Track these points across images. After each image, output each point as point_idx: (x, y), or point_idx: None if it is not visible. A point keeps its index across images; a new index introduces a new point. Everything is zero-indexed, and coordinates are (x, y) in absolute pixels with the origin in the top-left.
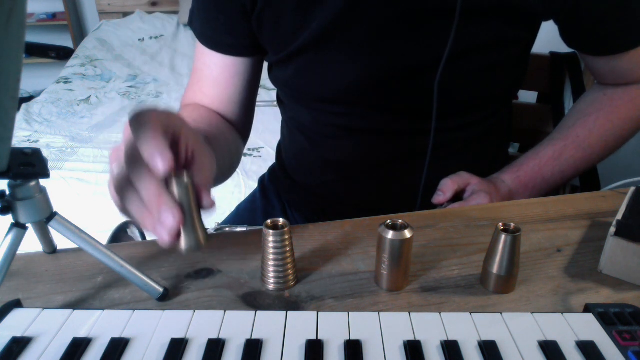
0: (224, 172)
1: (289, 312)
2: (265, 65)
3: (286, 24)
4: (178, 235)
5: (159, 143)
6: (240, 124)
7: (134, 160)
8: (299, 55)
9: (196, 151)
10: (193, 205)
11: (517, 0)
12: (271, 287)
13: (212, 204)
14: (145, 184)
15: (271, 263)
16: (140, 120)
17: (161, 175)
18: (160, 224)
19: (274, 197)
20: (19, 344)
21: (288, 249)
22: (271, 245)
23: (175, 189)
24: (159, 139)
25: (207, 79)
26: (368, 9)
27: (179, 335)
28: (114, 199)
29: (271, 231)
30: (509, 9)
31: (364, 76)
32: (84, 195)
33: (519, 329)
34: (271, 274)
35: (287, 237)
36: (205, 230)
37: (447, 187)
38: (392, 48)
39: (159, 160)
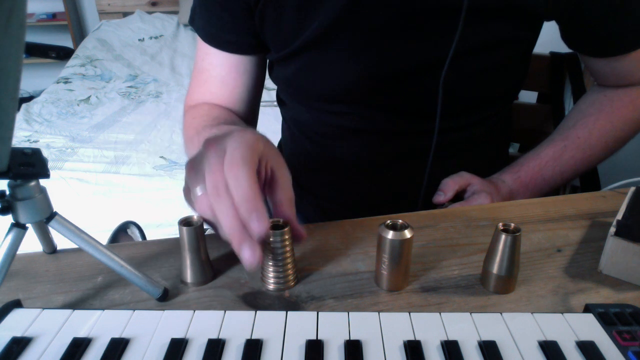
0: None
1: (289, 312)
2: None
3: (288, 22)
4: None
5: (257, 199)
6: (247, 122)
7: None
8: (301, 54)
9: (274, 167)
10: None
11: (521, 1)
12: (271, 287)
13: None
14: (223, 216)
15: (271, 263)
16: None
17: (256, 237)
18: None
19: None
20: (19, 344)
21: (288, 249)
22: (271, 245)
23: (271, 237)
24: (256, 193)
25: (214, 79)
26: (371, 8)
27: (179, 335)
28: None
29: (271, 231)
30: (512, 9)
31: (366, 76)
32: (84, 195)
33: (519, 329)
34: (271, 274)
35: (287, 237)
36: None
37: (448, 187)
38: (394, 48)
39: (257, 224)
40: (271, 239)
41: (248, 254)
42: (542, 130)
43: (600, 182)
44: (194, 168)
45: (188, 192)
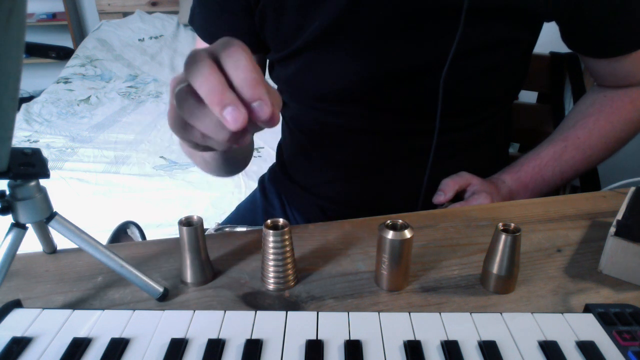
0: (246, 160)
1: (289, 312)
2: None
3: (288, 22)
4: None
5: (262, 83)
6: None
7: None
8: (301, 54)
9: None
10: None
11: (520, 2)
12: (271, 287)
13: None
14: (206, 86)
15: (271, 263)
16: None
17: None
18: (224, 118)
19: (274, 197)
20: (19, 344)
21: (288, 249)
22: (271, 245)
23: (271, 237)
24: (261, 77)
25: None
26: (371, 8)
27: (179, 335)
28: (174, 126)
29: (271, 231)
30: (512, 10)
31: (366, 76)
32: (84, 195)
33: (519, 329)
34: (271, 274)
35: (287, 237)
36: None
37: (448, 187)
38: (395, 48)
39: (265, 108)
40: (271, 239)
41: (234, 113)
42: (542, 130)
43: (600, 182)
44: (177, 82)
45: (173, 118)
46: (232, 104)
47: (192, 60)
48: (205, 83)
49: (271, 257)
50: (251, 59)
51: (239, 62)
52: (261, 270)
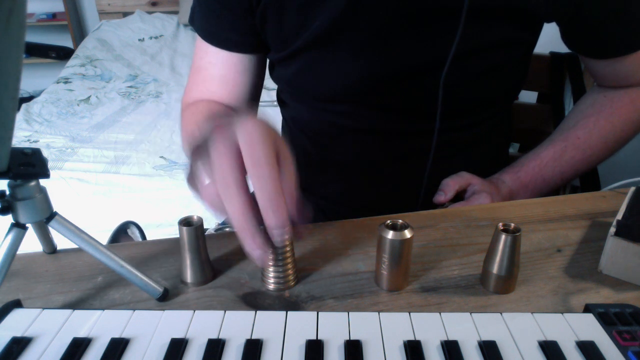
0: None
1: (289, 312)
2: (267, 64)
3: (289, 22)
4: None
5: (284, 207)
6: None
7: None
8: (302, 54)
9: (283, 159)
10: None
11: (521, 2)
12: (271, 287)
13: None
14: (235, 216)
15: (271, 263)
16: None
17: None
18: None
19: None
20: (19, 344)
21: (288, 249)
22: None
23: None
24: (283, 199)
25: (213, 77)
26: (371, 8)
27: (179, 335)
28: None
29: None
30: (512, 11)
31: (367, 75)
32: (84, 195)
33: (519, 329)
34: (271, 274)
35: (287, 242)
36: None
37: (449, 187)
38: (395, 48)
39: (281, 232)
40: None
41: (261, 257)
42: (542, 130)
43: (600, 182)
44: (200, 153)
45: (192, 179)
46: (261, 249)
47: (215, 149)
48: (236, 215)
49: (271, 257)
50: (276, 172)
51: (266, 187)
52: (261, 270)
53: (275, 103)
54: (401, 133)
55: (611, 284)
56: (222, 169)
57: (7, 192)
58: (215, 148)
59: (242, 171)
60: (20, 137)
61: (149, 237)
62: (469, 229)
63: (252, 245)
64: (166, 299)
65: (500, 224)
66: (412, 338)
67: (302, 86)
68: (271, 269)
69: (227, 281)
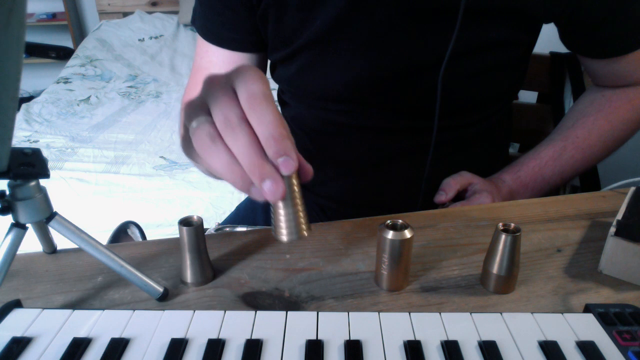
0: None
1: (289, 312)
2: (268, 65)
3: (289, 21)
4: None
5: (288, 138)
6: None
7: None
8: (302, 53)
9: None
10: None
11: (518, 3)
12: (285, 238)
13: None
14: (241, 149)
15: (281, 211)
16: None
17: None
18: (259, 190)
19: None
20: (19, 344)
21: (297, 189)
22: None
23: None
24: (287, 131)
25: None
26: (371, 7)
27: (179, 335)
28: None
29: None
30: (510, 11)
31: (367, 74)
32: (84, 195)
33: (519, 329)
34: (282, 224)
35: (295, 182)
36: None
37: (450, 186)
38: (395, 46)
39: (291, 163)
40: None
41: (272, 186)
42: (542, 130)
43: (600, 182)
44: (192, 107)
45: (185, 141)
46: (272, 177)
47: (213, 94)
48: (242, 148)
49: (280, 204)
50: (273, 105)
51: (264, 117)
52: (272, 222)
53: (276, 103)
54: (401, 131)
55: (611, 284)
56: (221, 108)
57: (7, 192)
58: (212, 94)
59: (242, 109)
60: (20, 137)
61: (149, 237)
62: (469, 229)
63: (262, 174)
64: (166, 299)
65: (500, 224)
66: (412, 338)
67: (303, 85)
68: (282, 217)
69: (227, 281)
